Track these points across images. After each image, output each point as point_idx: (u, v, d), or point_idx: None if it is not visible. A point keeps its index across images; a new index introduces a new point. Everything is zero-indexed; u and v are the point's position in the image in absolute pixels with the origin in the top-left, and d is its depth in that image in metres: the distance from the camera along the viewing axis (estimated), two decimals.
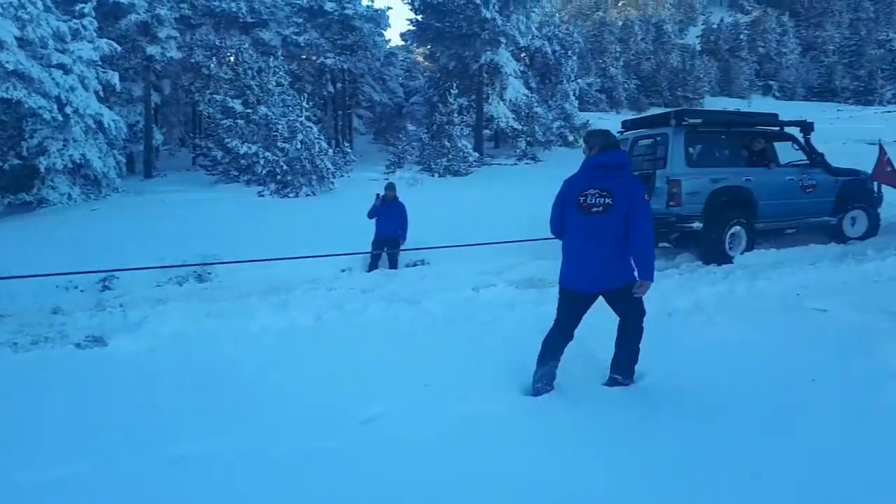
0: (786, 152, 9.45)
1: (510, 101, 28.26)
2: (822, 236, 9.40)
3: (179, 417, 3.60)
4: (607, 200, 3.68)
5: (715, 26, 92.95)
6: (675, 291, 6.16)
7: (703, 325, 5.09)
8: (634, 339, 3.85)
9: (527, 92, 29.19)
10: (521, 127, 27.68)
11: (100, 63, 18.65)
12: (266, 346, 5.03)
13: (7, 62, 15.19)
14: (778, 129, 9.45)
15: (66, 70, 17.07)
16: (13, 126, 16.53)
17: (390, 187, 10.17)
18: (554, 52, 32.48)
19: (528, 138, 27.65)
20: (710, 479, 2.80)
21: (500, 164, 26.02)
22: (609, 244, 3.69)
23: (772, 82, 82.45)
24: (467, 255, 9.06)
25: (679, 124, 8.34)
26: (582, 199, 3.75)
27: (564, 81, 31.74)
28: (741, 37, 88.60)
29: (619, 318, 3.89)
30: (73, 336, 5.34)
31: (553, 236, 4.11)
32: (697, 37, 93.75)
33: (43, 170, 15.80)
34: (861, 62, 78.58)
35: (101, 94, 18.50)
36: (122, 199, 16.50)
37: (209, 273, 8.79)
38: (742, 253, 8.53)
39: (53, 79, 16.43)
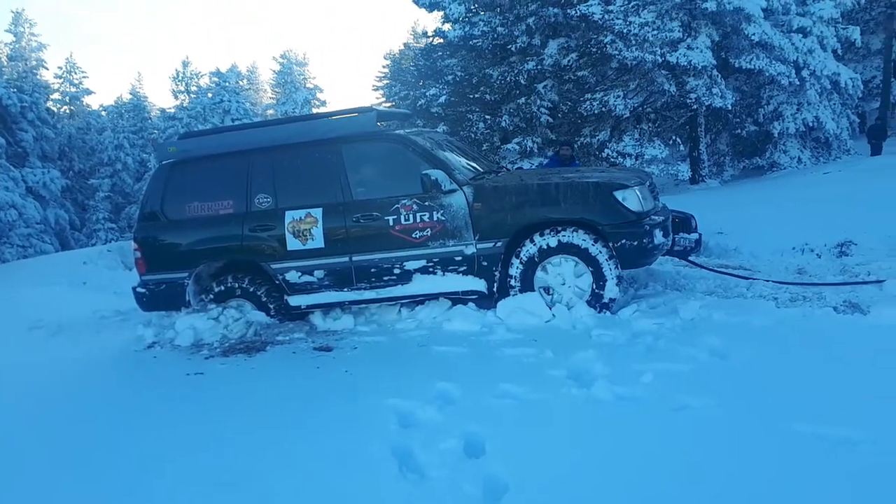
0: None
1: None
2: None
3: None
4: None
5: None
6: None
7: None
8: None
9: None
10: None
11: (839, 20, 17.93)
12: None
13: (753, 34, 16.31)
14: None
15: (804, 33, 17.13)
16: (751, 94, 17.79)
17: None
18: None
19: None
20: None
21: None
22: None
23: None
24: None
25: None
26: None
27: None
28: None
29: None
30: (830, 300, 5.32)
31: None
32: None
33: (776, 134, 16.48)
34: None
35: (839, 52, 17.84)
36: (854, 163, 15.51)
37: None
38: None
39: (792, 43, 16.73)
